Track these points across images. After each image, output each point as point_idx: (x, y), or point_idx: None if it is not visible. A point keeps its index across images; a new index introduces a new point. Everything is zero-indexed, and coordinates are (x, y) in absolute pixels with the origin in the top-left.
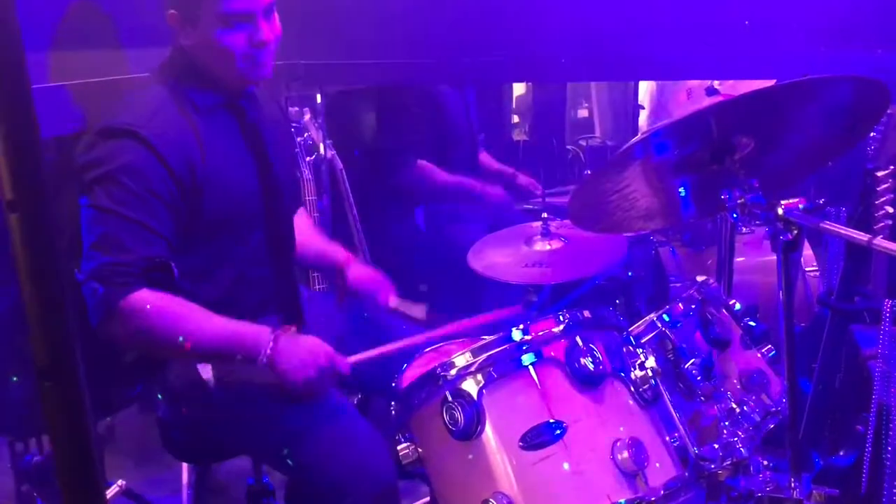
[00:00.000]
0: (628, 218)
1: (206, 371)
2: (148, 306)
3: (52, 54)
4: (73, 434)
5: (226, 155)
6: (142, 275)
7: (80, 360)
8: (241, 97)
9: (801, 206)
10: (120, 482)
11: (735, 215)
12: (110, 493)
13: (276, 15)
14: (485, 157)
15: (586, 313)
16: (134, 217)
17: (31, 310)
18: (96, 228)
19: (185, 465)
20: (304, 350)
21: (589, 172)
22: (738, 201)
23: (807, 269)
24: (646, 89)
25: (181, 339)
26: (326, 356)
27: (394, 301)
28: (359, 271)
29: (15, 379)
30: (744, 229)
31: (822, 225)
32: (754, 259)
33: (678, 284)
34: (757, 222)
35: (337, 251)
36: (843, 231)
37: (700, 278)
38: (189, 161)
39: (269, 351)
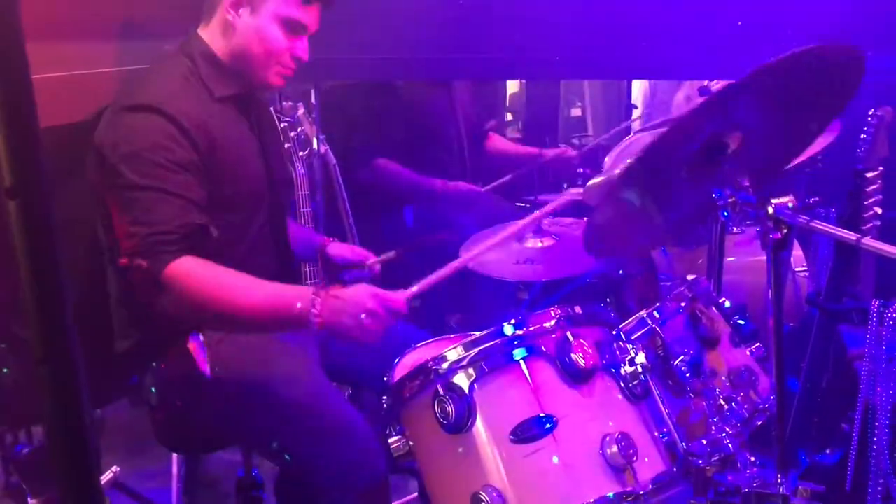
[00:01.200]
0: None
1: (201, 361)
2: (191, 273)
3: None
4: (68, 419)
5: (235, 137)
6: (181, 242)
7: (77, 346)
8: (251, 95)
9: (790, 204)
10: (114, 468)
11: (726, 214)
12: (104, 478)
13: None
14: (504, 144)
15: (577, 309)
16: (166, 189)
17: (30, 296)
18: (132, 208)
19: (175, 458)
20: (351, 304)
21: (582, 171)
22: (729, 200)
23: (796, 269)
24: (639, 88)
25: (226, 304)
26: (376, 301)
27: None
28: (338, 247)
29: (6, 371)
30: (734, 229)
31: (811, 223)
32: (744, 259)
33: (668, 283)
34: (748, 221)
35: (315, 235)
36: (831, 230)
37: (690, 277)
38: (208, 135)
39: (316, 316)
